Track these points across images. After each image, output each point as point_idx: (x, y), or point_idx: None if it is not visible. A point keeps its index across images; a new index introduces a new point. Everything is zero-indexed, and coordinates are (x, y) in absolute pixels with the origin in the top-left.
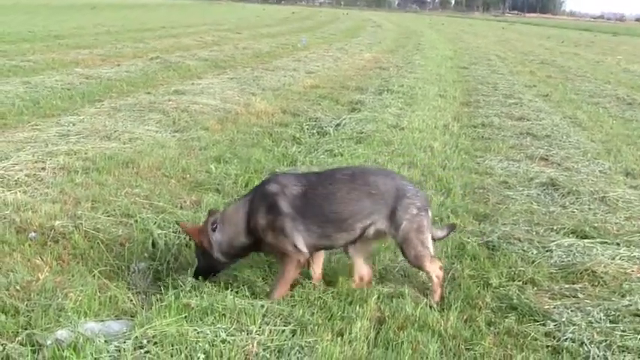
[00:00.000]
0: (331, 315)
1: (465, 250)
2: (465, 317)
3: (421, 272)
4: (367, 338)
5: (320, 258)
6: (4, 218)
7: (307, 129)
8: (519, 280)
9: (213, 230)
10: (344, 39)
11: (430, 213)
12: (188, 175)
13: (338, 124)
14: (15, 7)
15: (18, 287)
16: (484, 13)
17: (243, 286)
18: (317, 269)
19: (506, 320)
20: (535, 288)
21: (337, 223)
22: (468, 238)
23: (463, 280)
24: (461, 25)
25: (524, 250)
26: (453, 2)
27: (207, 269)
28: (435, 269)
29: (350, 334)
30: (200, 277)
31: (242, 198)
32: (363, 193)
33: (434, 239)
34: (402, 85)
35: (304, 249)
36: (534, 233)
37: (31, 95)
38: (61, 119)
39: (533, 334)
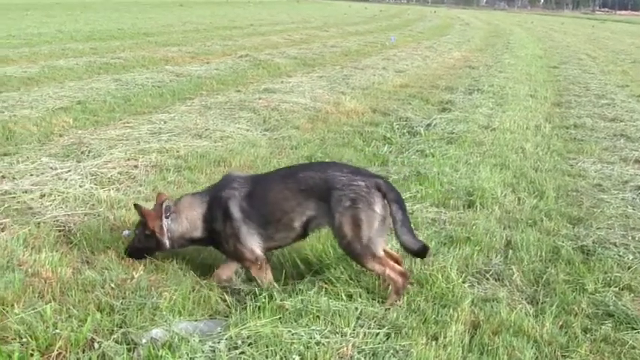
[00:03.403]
0: (425, 318)
1: (559, 255)
2: (560, 323)
3: (516, 274)
4: (462, 343)
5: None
6: (98, 216)
7: (398, 129)
8: (616, 286)
9: (167, 217)
10: (432, 37)
11: (378, 208)
12: None
13: (429, 124)
14: (104, 4)
15: (113, 285)
16: (574, 11)
17: (336, 287)
18: None
19: (603, 327)
20: (632, 295)
21: (274, 224)
22: (562, 242)
23: (558, 284)
24: (550, 23)
25: (620, 256)
26: (542, 0)
27: (144, 250)
28: (380, 269)
29: (444, 338)
30: (133, 256)
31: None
32: (292, 192)
33: (404, 246)
34: (492, 84)
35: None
36: (630, 238)
37: (122, 92)
38: (152, 117)
39: (631, 342)
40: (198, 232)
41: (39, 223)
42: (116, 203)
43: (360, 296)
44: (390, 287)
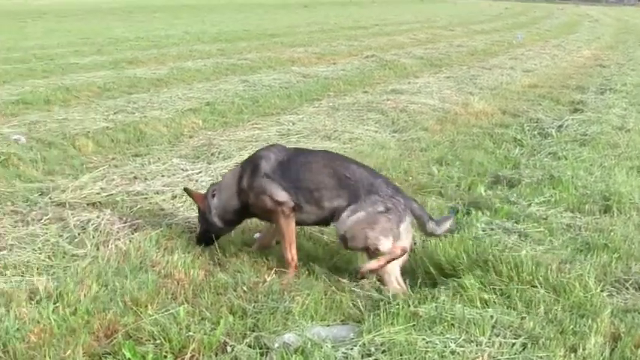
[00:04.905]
0: (563, 329)
1: None
2: None
3: None
4: (602, 355)
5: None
6: None
7: (528, 130)
8: None
9: (213, 197)
10: (560, 35)
11: (402, 228)
12: (410, 177)
13: (560, 126)
14: (229, 5)
15: (245, 288)
16: None
17: (470, 294)
18: None
19: None
20: None
21: (305, 192)
22: None
23: None
24: None
25: None
26: None
27: (207, 235)
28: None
29: (584, 350)
30: (201, 243)
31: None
32: (336, 173)
33: (432, 234)
34: (625, 83)
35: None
36: None
37: (250, 93)
38: (280, 118)
39: None
40: (234, 200)
41: (171, 225)
42: None
43: (495, 303)
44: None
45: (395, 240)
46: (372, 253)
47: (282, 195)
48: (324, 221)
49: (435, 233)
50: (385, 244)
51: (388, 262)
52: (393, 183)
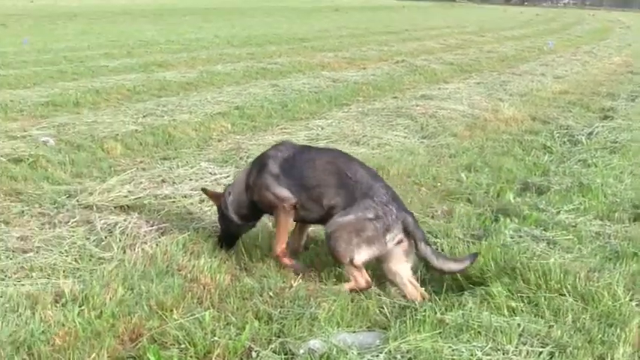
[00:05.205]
0: (591, 338)
1: None
2: None
3: None
4: None
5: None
6: None
7: (558, 137)
8: None
9: (229, 194)
10: (591, 41)
11: (388, 238)
12: (439, 184)
13: (590, 133)
14: (259, 9)
15: (271, 294)
16: None
17: (497, 301)
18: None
19: None
20: None
21: (308, 189)
22: None
23: None
24: None
25: None
26: None
27: (228, 233)
28: (353, 274)
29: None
30: (223, 245)
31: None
32: (338, 170)
33: (456, 271)
34: None
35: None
36: None
37: (279, 98)
38: (309, 123)
39: None
40: (244, 196)
41: (198, 229)
42: None
43: (522, 311)
44: (350, 282)
45: (379, 248)
46: (347, 262)
47: (283, 192)
48: (324, 220)
49: (432, 262)
50: (361, 256)
51: (351, 290)
52: (392, 190)
